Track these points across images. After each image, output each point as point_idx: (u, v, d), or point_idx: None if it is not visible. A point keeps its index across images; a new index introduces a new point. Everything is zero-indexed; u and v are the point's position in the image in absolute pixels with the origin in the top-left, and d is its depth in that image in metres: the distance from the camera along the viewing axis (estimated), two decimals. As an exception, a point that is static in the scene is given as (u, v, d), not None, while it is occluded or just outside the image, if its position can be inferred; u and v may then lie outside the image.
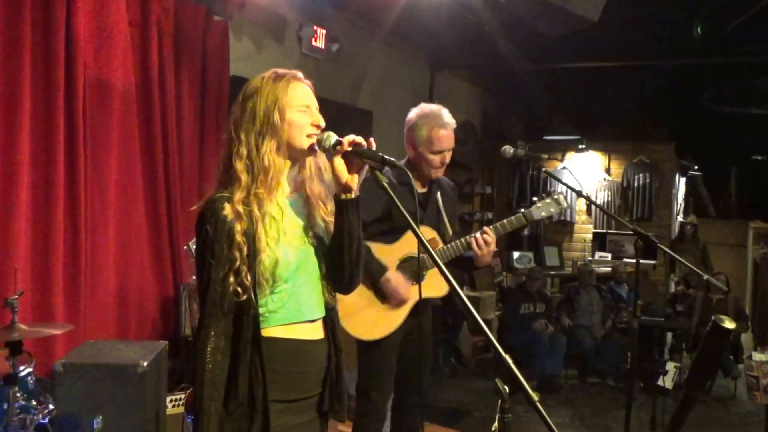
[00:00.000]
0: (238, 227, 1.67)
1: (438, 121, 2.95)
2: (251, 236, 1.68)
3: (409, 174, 1.75)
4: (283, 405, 1.75)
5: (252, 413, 1.70)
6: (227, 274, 1.67)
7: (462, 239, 2.95)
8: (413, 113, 3.04)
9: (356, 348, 3.05)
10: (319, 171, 1.85)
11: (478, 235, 2.90)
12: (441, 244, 2.99)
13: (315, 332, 1.82)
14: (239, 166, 1.73)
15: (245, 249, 1.67)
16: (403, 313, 2.95)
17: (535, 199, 3.10)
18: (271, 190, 1.74)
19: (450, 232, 3.09)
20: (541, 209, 3.04)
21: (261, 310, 1.72)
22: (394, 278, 2.87)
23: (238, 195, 1.71)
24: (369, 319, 2.92)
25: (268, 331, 1.74)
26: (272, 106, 1.74)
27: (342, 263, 1.81)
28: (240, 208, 1.69)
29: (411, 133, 3.01)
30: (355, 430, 3.12)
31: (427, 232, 2.99)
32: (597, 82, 8.01)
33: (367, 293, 2.93)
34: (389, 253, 2.93)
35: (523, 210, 3.04)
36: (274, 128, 1.73)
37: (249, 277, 1.67)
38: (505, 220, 3.00)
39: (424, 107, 3.03)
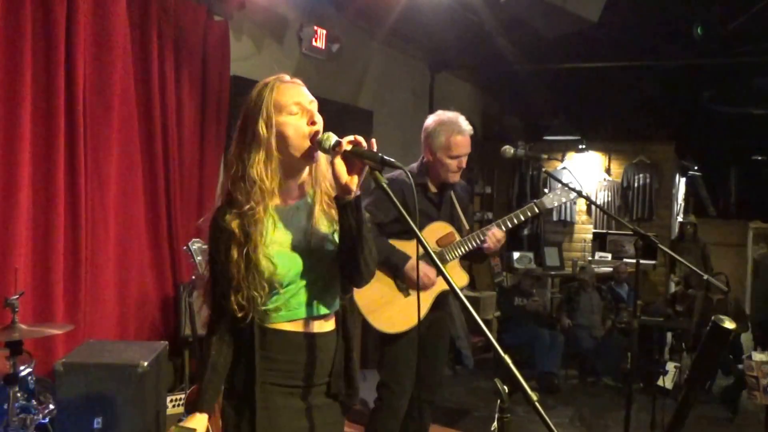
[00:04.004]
0: (234, 245, 1.74)
1: (455, 128, 3.09)
2: (247, 251, 1.74)
3: (409, 174, 1.76)
4: (288, 389, 1.81)
5: (246, 399, 1.79)
6: (227, 290, 1.76)
7: (478, 232, 3.11)
8: (431, 120, 3.17)
9: (376, 343, 3.22)
10: (323, 173, 1.86)
11: (492, 230, 3.09)
12: (458, 238, 3.14)
13: (322, 326, 1.85)
14: (233, 186, 1.78)
15: (242, 266, 1.74)
16: (425, 306, 3.08)
17: (546, 190, 3.23)
18: (260, 203, 1.76)
19: (466, 226, 3.23)
20: (552, 199, 3.22)
21: (263, 308, 1.78)
22: (420, 265, 2.99)
23: (234, 213, 1.76)
24: (392, 312, 3.06)
25: (273, 325, 1.80)
26: (257, 117, 1.75)
27: (346, 263, 1.83)
28: (236, 228, 1.75)
29: (429, 139, 3.13)
30: (371, 424, 3.20)
31: (444, 227, 3.15)
32: (597, 82, 8.01)
33: (390, 288, 3.07)
34: (407, 250, 3.05)
35: (535, 201, 3.22)
36: (260, 140, 1.74)
37: (246, 294, 1.74)
38: (518, 211, 3.17)
39: (442, 114, 3.16)
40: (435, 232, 3.12)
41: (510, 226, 3.15)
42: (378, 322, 3.06)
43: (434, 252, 3.06)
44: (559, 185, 3.21)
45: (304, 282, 1.80)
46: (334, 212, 1.83)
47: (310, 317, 1.82)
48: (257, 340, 1.78)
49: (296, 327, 1.81)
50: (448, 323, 3.34)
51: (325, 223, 1.85)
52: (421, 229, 3.05)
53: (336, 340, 1.87)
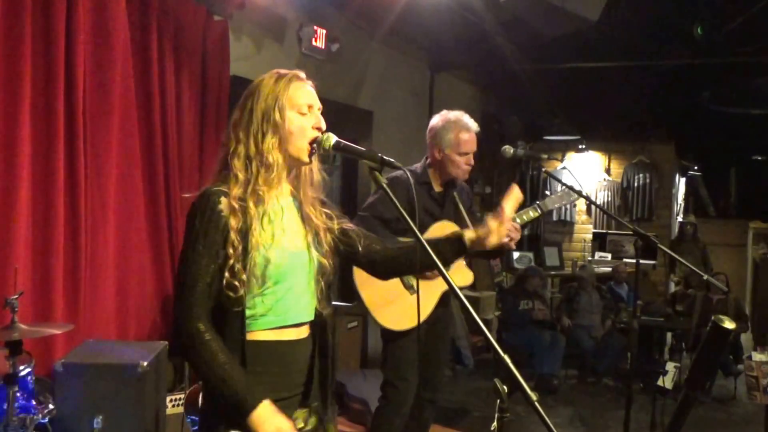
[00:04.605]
0: (233, 224, 1.66)
1: (463, 125, 3.18)
2: (245, 234, 1.67)
3: (408, 175, 1.77)
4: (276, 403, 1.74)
5: (232, 419, 1.65)
6: (221, 268, 1.65)
7: None
8: (437, 119, 3.23)
9: (381, 342, 3.25)
10: (312, 175, 1.84)
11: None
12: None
13: (300, 332, 1.80)
14: (237, 164, 1.71)
15: (239, 247, 1.65)
16: (430, 304, 3.11)
17: (547, 192, 3.22)
18: (271, 187, 1.72)
19: (470, 226, 3.18)
20: (554, 200, 3.20)
21: (248, 312, 1.70)
22: None
23: (235, 191, 1.69)
24: (398, 310, 3.08)
25: (255, 335, 1.72)
26: (272, 104, 1.72)
27: (412, 263, 1.86)
28: (236, 205, 1.68)
29: (437, 138, 3.19)
30: (376, 420, 3.19)
31: (449, 226, 3.18)
32: (597, 82, 8.00)
33: (396, 285, 3.09)
34: None
35: (538, 202, 3.18)
36: (276, 125, 1.72)
37: (244, 274, 1.65)
38: (521, 212, 3.11)
39: (447, 113, 3.23)
40: (440, 230, 3.13)
41: (520, 224, 3.13)
42: (384, 319, 3.08)
43: None
44: (561, 187, 3.20)
45: (291, 284, 1.75)
46: (315, 218, 1.81)
47: (295, 324, 1.77)
48: (248, 353, 1.68)
49: (277, 336, 1.74)
50: (449, 322, 3.36)
51: (314, 226, 1.82)
52: (425, 227, 3.10)
53: (311, 347, 1.81)
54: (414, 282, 3.09)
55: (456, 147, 3.14)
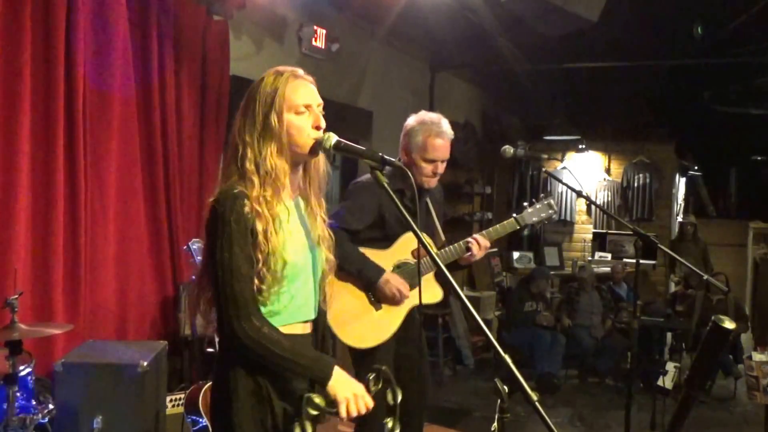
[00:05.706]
0: (259, 227, 1.69)
1: (435, 130, 2.91)
2: (266, 237, 1.70)
3: (409, 173, 1.75)
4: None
5: (265, 406, 1.74)
6: (250, 273, 1.70)
7: (460, 243, 2.93)
8: (412, 120, 2.99)
9: (350, 358, 2.99)
10: (319, 172, 1.86)
11: (477, 237, 2.90)
12: (435, 249, 2.93)
13: (306, 328, 1.86)
14: (250, 167, 1.72)
15: (266, 250, 1.70)
16: (397, 320, 2.91)
17: (526, 204, 3.11)
18: (276, 193, 1.75)
19: (442, 237, 3.06)
20: (533, 214, 3.05)
21: (264, 310, 1.74)
22: (393, 278, 2.85)
23: (254, 193, 1.71)
24: (363, 327, 2.87)
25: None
26: (269, 108, 1.73)
27: None
28: (258, 208, 1.70)
29: (406, 138, 2.96)
30: None
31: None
32: (597, 82, 8.01)
33: (360, 301, 2.89)
34: (382, 259, 2.90)
35: (515, 215, 3.05)
36: (273, 131, 1.73)
37: (267, 279, 1.71)
38: (498, 225, 3.01)
39: (424, 115, 2.99)
40: (410, 243, 2.92)
41: (494, 237, 2.98)
42: (346, 336, 2.85)
43: (410, 265, 2.90)
44: (541, 202, 3.06)
45: (302, 281, 1.80)
46: (320, 211, 1.86)
47: (303, 321, 1.83)
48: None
49: (291, 330, 1.78)
50: (420, 340, 3.13)
51: (319, 224, 1.87)
52: (396, 238, 2.87)
53: (314, 342, 1.88)
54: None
55: (422, 152, 2.87)
